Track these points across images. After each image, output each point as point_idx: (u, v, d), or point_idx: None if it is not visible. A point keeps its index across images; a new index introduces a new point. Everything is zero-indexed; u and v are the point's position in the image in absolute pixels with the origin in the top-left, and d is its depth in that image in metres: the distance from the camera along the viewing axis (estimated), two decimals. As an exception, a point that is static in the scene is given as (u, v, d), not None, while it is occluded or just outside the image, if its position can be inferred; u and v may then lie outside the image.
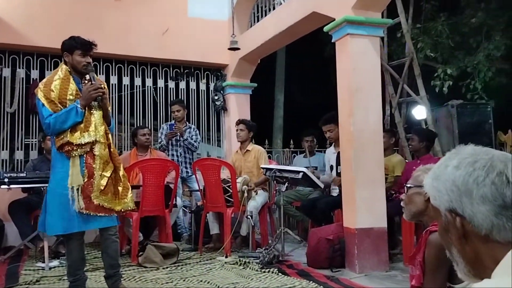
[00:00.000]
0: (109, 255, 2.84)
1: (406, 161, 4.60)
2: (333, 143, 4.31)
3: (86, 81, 2.77)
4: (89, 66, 2.76)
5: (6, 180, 3.84)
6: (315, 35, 5.41)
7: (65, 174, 2.66)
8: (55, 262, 3.81)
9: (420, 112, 5.68)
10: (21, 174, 3.99)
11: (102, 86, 2.79)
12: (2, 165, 5.10)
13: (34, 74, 5.25)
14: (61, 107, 2.67)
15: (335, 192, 4.24)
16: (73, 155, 2.66)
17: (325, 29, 3.87)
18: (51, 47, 4.47)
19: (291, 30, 4.69)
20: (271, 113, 11.37)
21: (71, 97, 2.70)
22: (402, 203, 2.02)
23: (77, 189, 2.63)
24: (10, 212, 4.39)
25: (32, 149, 5.25)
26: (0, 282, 3.28)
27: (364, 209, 3.49)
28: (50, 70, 5.09)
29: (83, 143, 2.66)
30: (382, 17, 4.09)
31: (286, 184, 4.08)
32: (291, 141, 6.51)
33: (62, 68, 2.76)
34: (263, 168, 4.37)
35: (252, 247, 4.18)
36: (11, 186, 3.90)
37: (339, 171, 3.88)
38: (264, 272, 3.42)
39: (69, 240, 2.76)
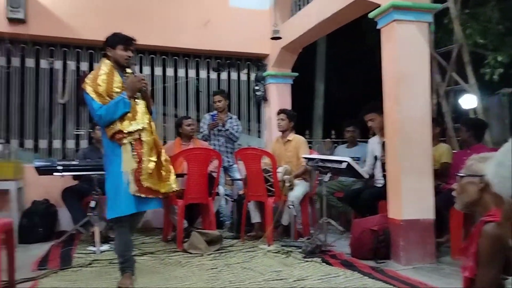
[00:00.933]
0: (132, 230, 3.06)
1: (454, 151, 4.44)
2: (377, 133, 4.22)
3: (127, 74, 2.94)
4: (130, 59, 2.95)
5: (59, 167, 4.05)
6: (356, 23, 5.30)
7: (119, 160, 2.82)
8: (105, 246, 3.98)
9: (468, 101, 5.45)
10: (73, 162, 4.18)
11: (144, 78, 2.96)
12: (54, 153, 5.35)
13: (84, 66, 5.46)
14: (109, 99, 2.83)
15: (379, 183, 4.17)
16: (124, 142, 2.82)
17: (370, 15, 3.78)
18: (99, 39, 4.60)
19: (335, 17, 4.61)
20: (311, 103, 11.28)
21: (117, 89, 2.86)
22: (454, 193, 1.96)
23: (131, 173, 2.79)
24: (63, 198, 4.62)
25: (82, 139, 5.48)
26: (55, 264, 3.47)
27: (410, 200, 3.41)
28: (98, 62, 5.26)
29: (132, 130, 2.83)
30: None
31: (329, 174, 4.04)
32: (332, 132, 6.45)
33: (106, 63, 2.92)
34: (304, 158, 4.35)
35: (294, 236, 4.19)
36: (64, 173, 4.10)
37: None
38: (307, 261, 3.43)
39: (118, 223, 2.89)
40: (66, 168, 4.08)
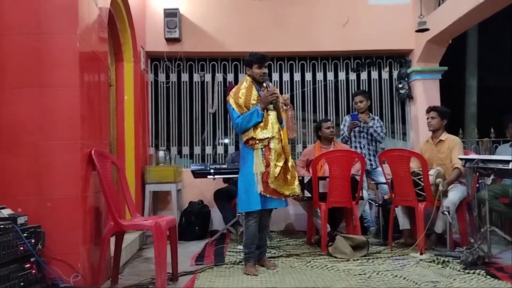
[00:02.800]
0: (264, 229, 3.52)
1: None
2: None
3: (263, 88, 3.40)
4: (265, 76, 3.41)
5: (212, 171, 4.39)
6: None
7: (251, 163, 3.30)
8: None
9: None
10: (223, 166, 4.49)
11: (276, 92, 3.35)
12: (206, 159, 5.83)
13: (230, 77, 5.85)
14: (246, 110, 3.33)
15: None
16: (256, 148, 3.29)
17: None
18: (243, 51, 4.89)
19: (491, 2, 4.09)
20: (461, 100, 10.21)
21: (253, 102, 3.35)
22: None
23: (259, 175, 3.25)
24: (215, 199, 4.99)
25: (230, 145, 5.87)
26: (210, 260, 3.74)
27: None
28: (243, 73, 5.57)
29: (262, 138, 3.28)
30: None
31: (492, 177, 3.57)
32: (491, 130, 5.71)
33: (247, 79, 3.44)
34: (461, 159, 3.93)
35: (450, 246, 3.80)
36: (216, 176, 4.43)
37: None
38: (468, 273, 3.07)
39: (248, 217, 3.37)
40: (217, 172, 4.41)
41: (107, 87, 3.53)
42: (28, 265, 2.29)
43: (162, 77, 5.79)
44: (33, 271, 2.32)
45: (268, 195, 3.26)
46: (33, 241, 2.34)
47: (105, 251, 2.83)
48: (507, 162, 3.35)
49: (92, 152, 2.78)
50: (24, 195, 2.56)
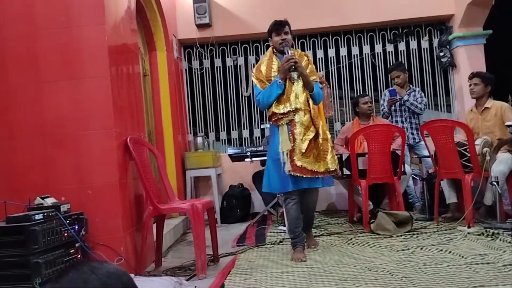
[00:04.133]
0: (308, 209, 3.29)
1: None
2: None
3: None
4: (284, 42, 3.06)
5: (248, 154, 4.41)
6: None
7: (277, 141, 3.03)
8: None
9: None
10: (260, 148, 4.50)
11: (294, 56, 2.99)
12: (244, 142, 5.85)
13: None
14: (268, 84, 3.04)
15: None
16: (281, 123, 3.01)
17: None
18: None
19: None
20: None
21: (274, 73, 3.06)
22: None
23: (287, 154, 2.96)
24: (254, 182, 5.02)
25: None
26: (251, 241, 3.77)
27: None
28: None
29: (285, 112, 2.97)
30: None
31: (544, 143, 3.34)
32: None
33: (269, 51, 3.20)
34: (509, 126, 3.70)
35: (501, 217, 3.62)
36: (253, 159, 4.44)
37: None
38: (520, 245, 2.91)
39: (286, 200, 3.14)
40: (254, 154, 4.43)
41: (139, 77, 3.59)
42: (73, 250, 2.40)
43: (195, 64, 5.83)
44: (79, 256, 2.43)
45: (298, 174, 2.94)
46: (76, 227, 2.45)
47: (146, 235, 2.91)
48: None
49: (128, 139, 2.86)
50: (67, 184, 2.68)
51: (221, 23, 5.56)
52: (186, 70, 5.82)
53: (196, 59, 5.83)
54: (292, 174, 2.95)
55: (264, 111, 5.72)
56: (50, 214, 2.31)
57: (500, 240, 3.10)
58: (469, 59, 5.30)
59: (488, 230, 3.37)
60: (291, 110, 2.97)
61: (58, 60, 2.74)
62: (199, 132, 5.76)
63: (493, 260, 2.61)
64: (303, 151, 2.94)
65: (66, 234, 2.35)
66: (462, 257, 2.74)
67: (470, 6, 5.01)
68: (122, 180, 2.77)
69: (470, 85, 4.16)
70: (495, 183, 3.55)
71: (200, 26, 5.50)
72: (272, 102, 3.00)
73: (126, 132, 2.92)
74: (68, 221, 2.37)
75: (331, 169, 3.04)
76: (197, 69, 5.84)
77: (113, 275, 0.92)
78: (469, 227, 3.55)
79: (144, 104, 4.14)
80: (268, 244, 3.58)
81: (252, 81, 3.18)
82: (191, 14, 5.43)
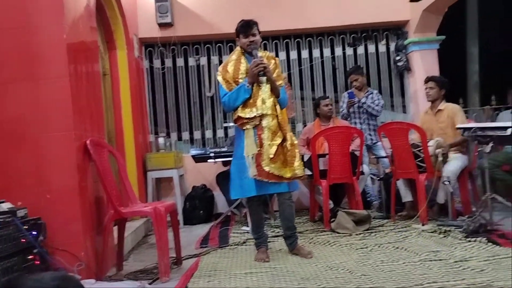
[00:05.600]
0: (285, 218, 3.14)
1: None
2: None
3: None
4: (252, 44, 2.98)
5: (212, 155, 4.41)
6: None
7: (242, 144, 2.98)
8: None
9: None
10: (223, 149, 4.51)
11: (263, 60, 2.93)
12: (207, 143, 5.83)
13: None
14: (235, 85, 2.96)
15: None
16: (246, 127, 2.94)
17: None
18: (237, 31, 4.84)
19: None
20: (463, 69, 10.08)
21: (242, 75, 2.98)
22: None
23: (252, 158, 2.91)
24: (217, 182, 5.02)
25: (230, 128, 5.85)
26: (215, 242, 3.78)
27: None
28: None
29: (251, 117, 2.91)
30: None
31: (491, 144, 3.54)
32: (492, 98, 5.66)
33: (236, 50, 3.09)
34: (459, 128, 3.90)
35: (452, 215, 3.81)
36: (216, 160, 4.45)
37: None
38: (470, 241, 3.08)
39: (249, 203, 3.15)
40: (217, 155, 4.43)
41: (99, 76, 3.51)
42: (31, 256, 2.32)
43: (157, 63, 5.76)
44: (37, 262, 2.35)
45: (263, 179, 2.90)
46: (34, 233, 2.37)
47: (108, 239, 2.86)
48: (505, 128, 3.32)
49: (88, 142, 2.79)
50: (24, 188, 2.59)
51: (183, 22, 5.51)
52: (147, 69, 5.74)
53: (158, 58, 5.75)
54: (257, 179, 2.91)
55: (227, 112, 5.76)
56: (6, 220, 2.23)
57: (452, 237, 3.28)
58: (424, 63, 5.54)
59: (440, 227, 3.54)
60: (257, 115, 2.91)
61: (16, 60, 2.65)
62: (161, 133, 5.69)
63: (445, 256, 2.76)
64: (271, 156, 2.90)
65: (23, 240, 2.27)
66: (417, 254, 2.87)
67: (424, 12, 5.24)
68: (82, 183, 2.70)
69: (425, 89, 4.35)
70: (447, 183, 3.74)
71: (162, 25, 5.44)
72: (238, 106, 2.94)
73: (86, 134, 2.85)
74: (25, 227, 2.29)
75: (299, 175, 3.01)
76: (158, 68, 5.76)
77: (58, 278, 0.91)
78: (423, 224, 3.71)
79: (104, 104, 4.04)
80: (231, 245, 3.60)
81: (217, 80, 3.09)
82: (153, 13, 5.36)
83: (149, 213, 2.80)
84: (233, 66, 3.02)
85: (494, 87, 6.02)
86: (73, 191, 2.63)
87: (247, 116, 2.92)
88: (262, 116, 2.93)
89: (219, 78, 3.03)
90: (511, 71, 6.32)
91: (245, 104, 2.94)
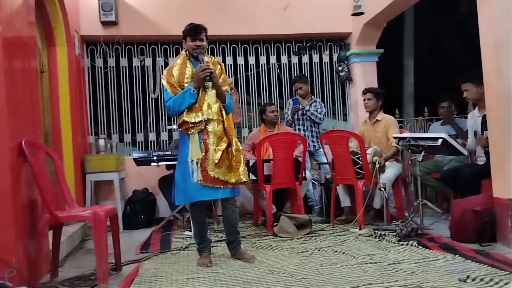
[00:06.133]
0: (229, 223, 3.15)
1: None
2: (477, 106, 3.85)
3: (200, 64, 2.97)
4: (198, 48, 2.98)
5: (155, 158, 4.32)
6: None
7: (187, 149, 2.96)
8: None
9: None
10: (167, 153, 4.43)
11: (210, 65, 2.94)
12: (150, 146, 5.72)
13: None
14: (180, 90, 2.94)
15: (481, 161, 3.82)
16: (191, 132, 2.94)
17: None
18: (183, 34, 4.80)
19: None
20: (400, 81, 10.68)
21: (187, 80, 2.97)
22: None
23: (196, 162, 2.91)
24: (160, 186, 4.93)
25: (175, 131, 5.77)
26: (156, 248, 3.71)
27: (519, 177, 3.07)
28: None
29: (196, 121, 2.91)
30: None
31: (423, 153, 3.79)
32: (425, 109, 6.03)
33: (182, 54, 3.07)
34: (395, 137, 4.13)
35: (387, 220, 4.02)
36: (159, 163, 4.37)
37: (486, 137, 3.48)
38: (403, 244, 3.27)
39: (192, 208, 3.13)
40: (161, 158, 4.35)
41: (37, 73, 3.34)
42: (-45, 264, 2.16)
43: (99, 62, 5.57)
44: (-39, 270, 2.19)
45: (208, 184, 2.91)
46: (-41, 238, 2.21)
47: (42, 244, 2.72)
48: (436, 139, 3.57)
49: (23, 142, 2.65)
50: None
51: (128, 22, 5.38)
52: (88, 68, 5.53)
53: (100, 57, 5.56)
54: (202, 184, 2.91)
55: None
56: None
57: (386, 241, 3.46)
58: (364, 74, 5.80)
59: (376, 231, 3.72)
60: (203, 120, 2.92)
61: None
62: (101, 134, 5.50)
63: (380, 259, 2.91)
64: (216, 161, 2.91)
65: None
66: (354, 257, 3.00)
67: (365, 26, 5.49)
68: (15, 185, 2.55)
69: (364, 100, 4.56)
70: (383, 189, 3.94)
71: (105, 24, 5.27)
72: (184, 110, 2.93)
73: (21, 134, 2.70)
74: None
75: (243, 180, 3.03)
76: (100, 67, 5.57)
77: None
78: (360, 229, 3.88)
79: (41, 102, 3.84)
80: (173, 250, 3.55)
81: (162, 84, 3.06)
82: (96, 10, 5.18)
83: (88, 217, 2.70)
84: (178, 70, 3.00)
85: (427, 99, 6.43)
86: (5, 194, 2.47)
87: (193, 120, 2.91)
88: (207, 121, 2.94)
89: (164, 82, 3.00)
90: (442, 85, 6.78)
91: (190, 108, 2.93)
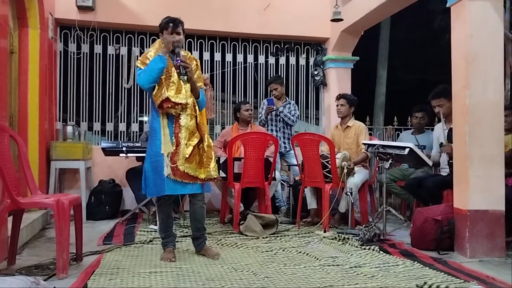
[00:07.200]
0: (196, 219, 3.14)
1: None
2: (444, 119, 3.98)
3: (175, 57, 2.94)
4: (175, 42, 2.93)
5: (124, 149, 4.25)
6: (422, 4, 5.02)
7: (157, 142, 2.92)
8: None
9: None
10: (137, 144, 4.36)
11: (186, 59, 2.94)
12: (120, 136, 5.61)
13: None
14: None
15: (444, 172, 3.95)
16: (173, 113, 2.88)
17: (439, -7, 3.54)
18: (162, 26, 4.73)
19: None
20: (372, 90, 10.91)
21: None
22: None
23: (167, 156, 2.88)
24: (127, 178, 4.85)
25: (145, 123, 5.69)
26: (119, 240, 3.65)
27: (478, 189, 3.19)
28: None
29: (178, 102, 2.86)
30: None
31: (390, 161, 3.89)
32: (395, 118, 6.19)
33: (157, 42, 3.05)
34: (364, 144, 4.22)
35: (351, 224, 4.10)
36: (128, 154, 4.29)
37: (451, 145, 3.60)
38: (365, 249, 3.34)
39: (159, 201, 3.11)
40: (130, 150, 4.28)
41: (6, 53, 3.22)
42: None
43: (72, 47, 5.42)
44: None
45: (178, 179, 2.89)
46: None
47: (0, 230, 2.63)
48: (404, 148, 3.66)
49: (-14, 124, 2.55)
50: None
51: (105, 8, 5.27)
52: (60, 52, 5.38)
53: (74, 42, 5.42)
54: (172, 178, 2.89)
55: (145, 103, 5.59)
56: None
57: (349, 244, 3.53)
58: (338, 80, 5.89)
59: (340, 235, 3.78)
60: (183, 103, 2.88)
61: None
62: (70, 121, 5.36)
63: (342, 262, 2.97)
64: (187, 156, 2.90)
65: None
66: (317, 259, 3.05)
67: (343, 33, 5.58)
68: (-25, 168, 2.46)
69: (337, 105, 4.63)
70: (349, 194, 4.02)
71: (81, 8, 5.14)
72: (156, 78, 2.85)
73: (-15, 115, 2.60)
74: None
75: (213, 177, 3.03)
76: (73, 52, 5.43)
77: None
78: (325, 231, 3.94)
79: (8, 84, 3.71)
80: (137, 243, 3.51)
81: (136, 68, 2.98)
82: (73, -7, 5.05)
83: (51, 205, 2.63)
84: (153, 54, 2.93)
85: (397, 109, 6.60)
86: (-37, 176, 2.38)
87: (177, 101, 2.86)
88: (183, 111, 2.91)
89: (138, 64, 2.94)
90: (413, 96, 6.97)
91: (169, 87, 2.86)
